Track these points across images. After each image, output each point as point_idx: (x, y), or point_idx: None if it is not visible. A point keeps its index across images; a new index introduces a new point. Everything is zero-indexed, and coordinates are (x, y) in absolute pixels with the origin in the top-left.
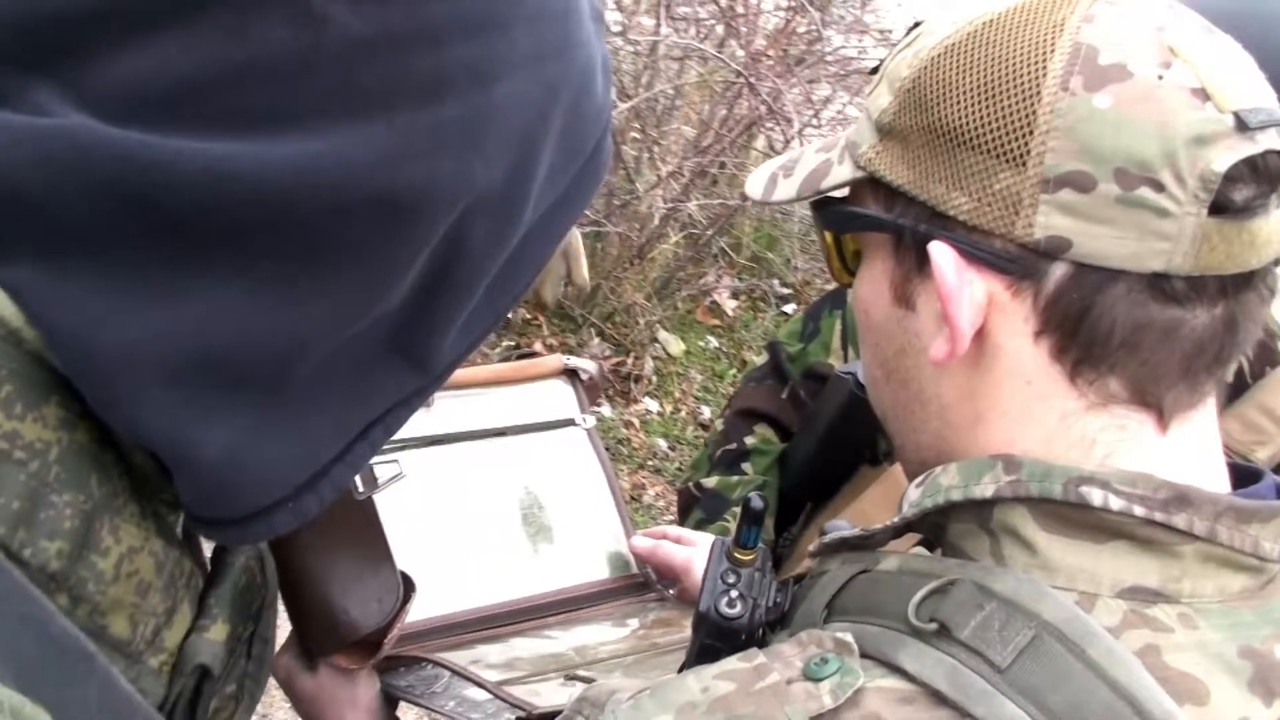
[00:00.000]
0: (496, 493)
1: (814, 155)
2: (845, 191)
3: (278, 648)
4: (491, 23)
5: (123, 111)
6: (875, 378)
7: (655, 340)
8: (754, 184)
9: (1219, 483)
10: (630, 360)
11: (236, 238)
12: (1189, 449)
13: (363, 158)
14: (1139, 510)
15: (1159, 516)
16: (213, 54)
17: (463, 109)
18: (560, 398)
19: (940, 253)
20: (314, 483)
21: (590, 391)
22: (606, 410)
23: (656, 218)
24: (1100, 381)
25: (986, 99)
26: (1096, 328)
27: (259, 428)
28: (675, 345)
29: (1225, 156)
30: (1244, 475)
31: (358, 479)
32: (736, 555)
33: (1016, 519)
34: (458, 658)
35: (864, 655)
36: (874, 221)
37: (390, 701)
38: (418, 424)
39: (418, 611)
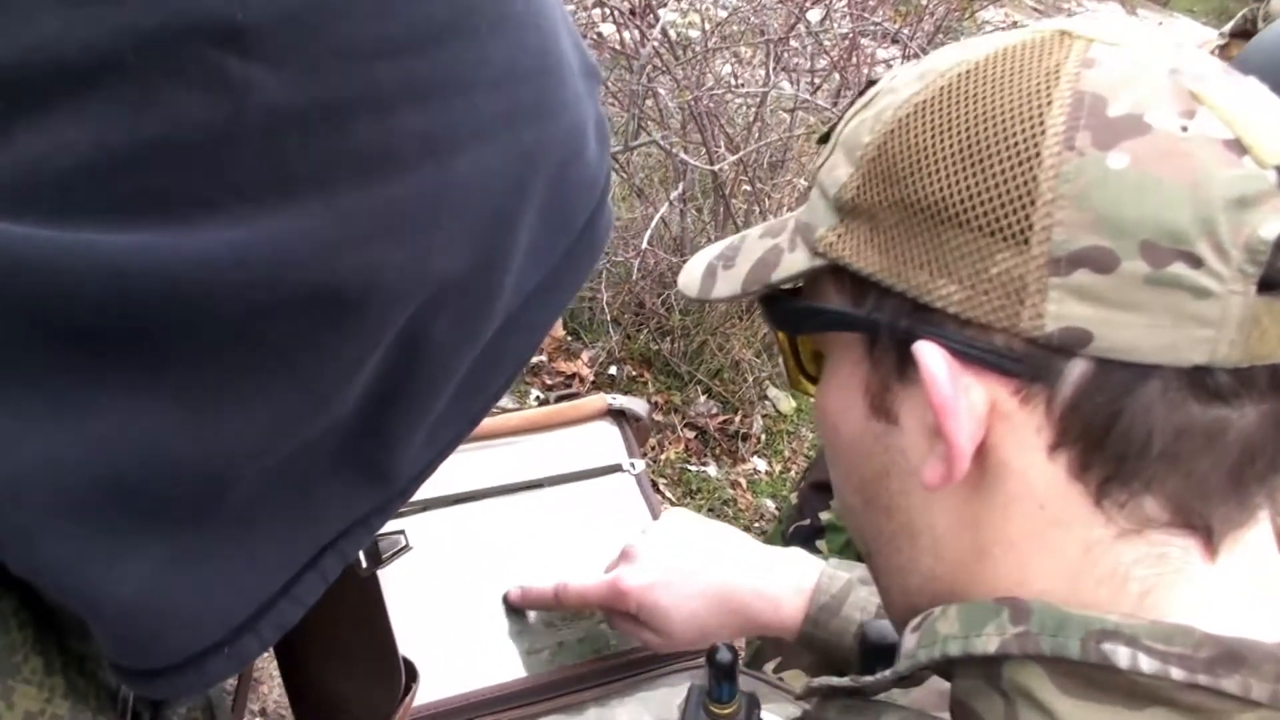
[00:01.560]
0: (531, 553)
1: (758, 242)
2: (800, 283)
3: None
4: (449, 85)
5: (14, 203)
6: (852, 506)
7: (765, 398)
8: (688, 277)
9: None
10: (738, 418)
11: (147, 344)
12: (1243, 581)
13: (296, 247)
14: (1177, 674)
15: (1204, 680)
16: (114, 132)
17: (416, 186)
18: (606, 441)
19: (929, 354)
20: (254, 622)
21: (640, 434)
22: (713, 470)
23: None
24: (1133, 503)
25: (972, 165)
26: (1129, 438)
27: (183, 561)
28: (785, 403)
29: (1273, 221)
30: None
31: (361, 554)
32: (713, 709)
33: (1031, 680)
34: None
35: None
36: (840, 319)
37: None
38: (441, 481)
39: (433, 691)
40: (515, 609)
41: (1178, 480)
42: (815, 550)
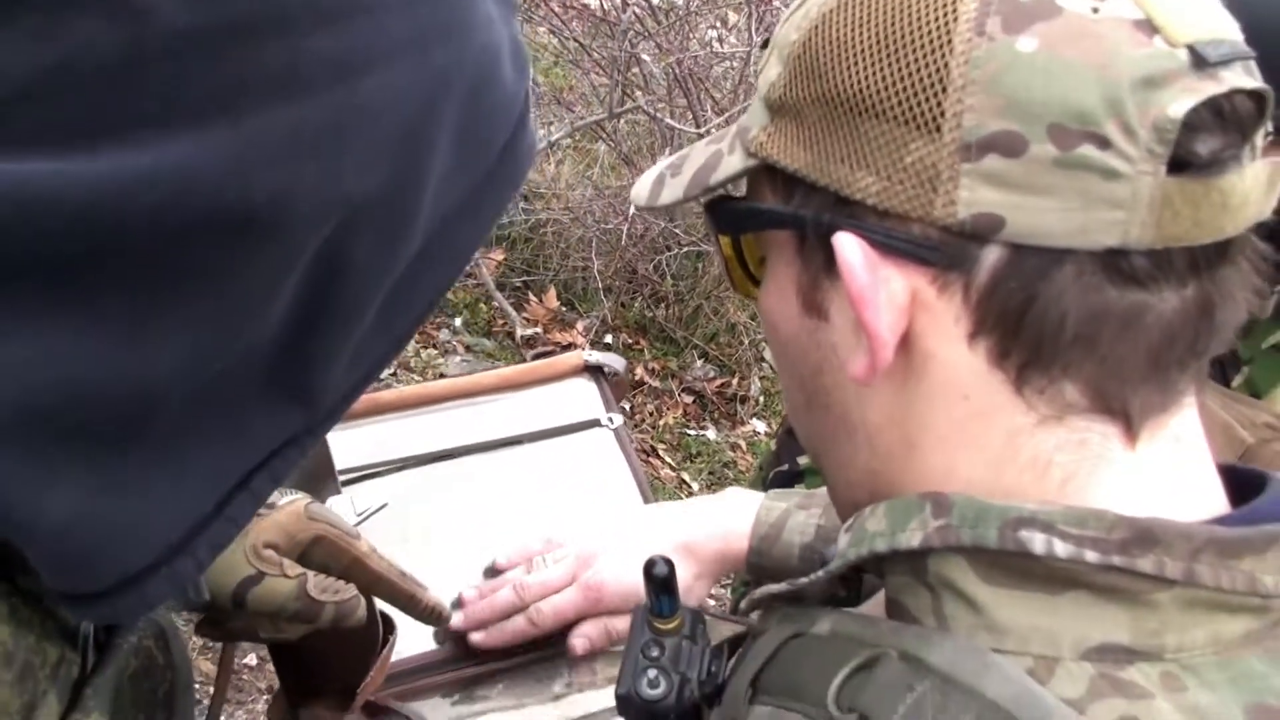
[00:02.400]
0: (510, 509)
1: (704, 148)
2: (743, 187)
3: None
4: (356, 6)
5: None
6: (796, 405)
7: (762, 359)
8: (640, 187)
9: (1208, 500)
10: (736, 381)
11: (59, 271)
12: (1164, 464)
13: (204, 169)
14: (1091, 555)
15: (1118, 561)
16: (15, 61)
17: (324, 108)
18: (583, 397)
19: (846, 245)
20: (188, 543)
21: (617, 388)
22: (712, 433)
23: None
24: (1052, 388)
25: (888, 56)
26: (1043, 321)
27: (113, 485)
28: None
29: (1182, 100)
30: (1245, 483)
31: (334, 510)
32: (658, 625)
33: (954, 572)
34: (436, 712)
35: None
36: (772, 217)
37: None
38: (419, 439)
39: (412, 646)
40: (489, 567)
41: (1095, 365)
42: None
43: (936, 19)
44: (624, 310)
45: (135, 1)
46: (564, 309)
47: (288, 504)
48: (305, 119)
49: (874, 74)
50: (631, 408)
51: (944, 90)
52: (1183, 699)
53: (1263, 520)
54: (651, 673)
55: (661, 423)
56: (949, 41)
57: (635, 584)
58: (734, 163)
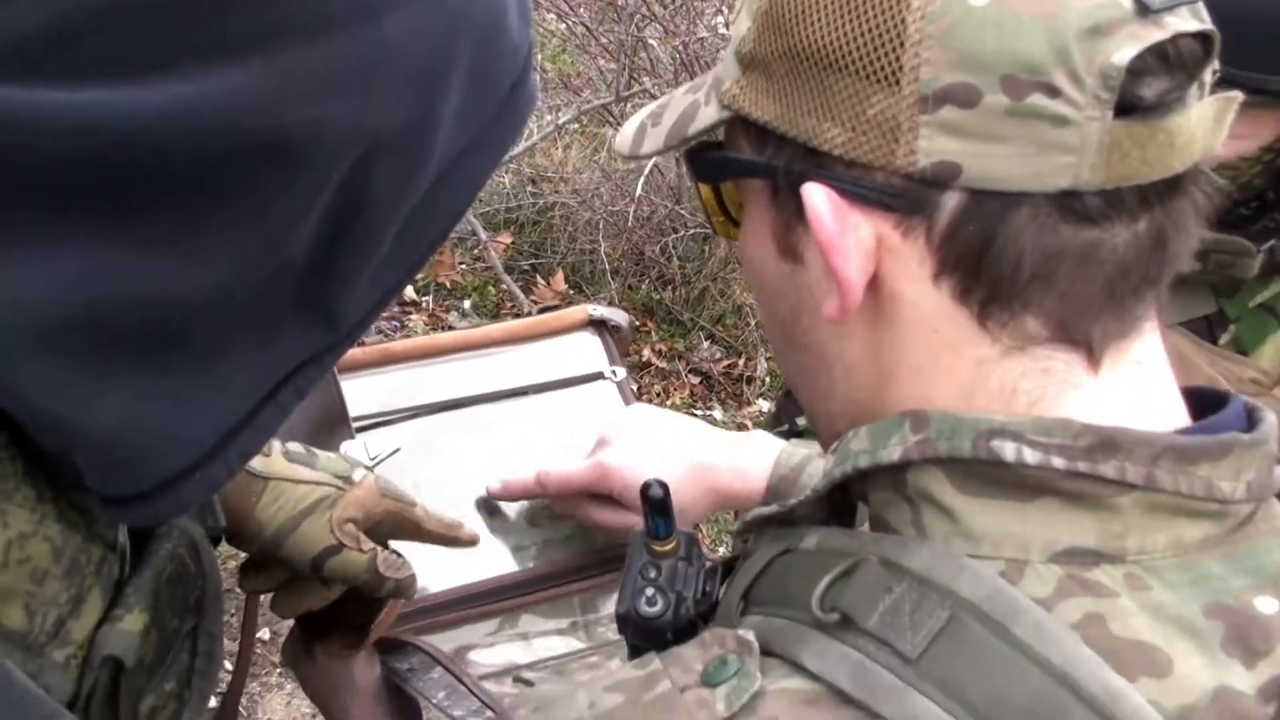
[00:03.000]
0: (515, 457)
1: (682, 98)
2: (721, 136)
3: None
4: None
5: None
6: (777, 344)
7: (767, 341)
8: (623, 136)
9: (1170, 417)
10: (742, 362)
11: (110, 192)
12: (1127, 387)
13: (241, 102)
14: (1058, 462)
15: (1083, 467)
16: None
17: (350, 46)
18: (587, 350)
19: (814, 195)
20: (220, 449)
21: (621, 343)
22: (718, 414)
23: None
24: (1014, 322)
25: (847, 11)
26: (1001, 261)
27: (154, 392)
28: None
29: (1127, 48)
30: (1209, 402)
31: (348, 455)
32: (654, 547)
33: (931, 483)
34: (448, 643)
35: (768, 653)
36: (745, 166)
37: (395, 684)
38: (428, 389)
39: (426, 586)
40: (497, 509)
41: (1055, 300)
42: None
43: None
44: (631, 292)
45: None
46: (572, 292)
47: (363, 480)
48: (332, 56)
49: (835, 30)
50: (639, 388)
51: (901, 45)
52: (1145, 598)
53: (1221, 431)
54: (649, 592)
55: (669, 403)
56: None
57: (641, 474)
58: (709, 114)
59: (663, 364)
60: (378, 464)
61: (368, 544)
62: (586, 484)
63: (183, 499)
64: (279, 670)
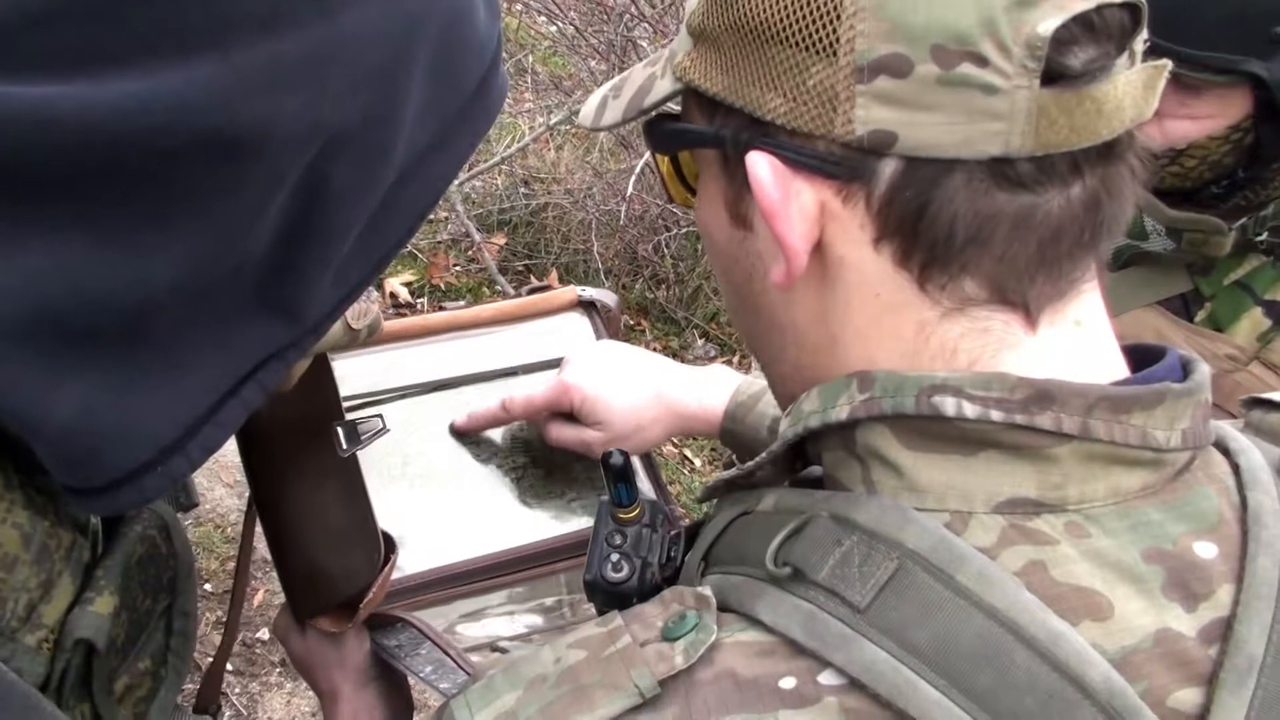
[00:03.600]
0: (505, 436)
1: (641, 71)
2: (679, 106)
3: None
4: None
5: None
6: (732, 307)
7: None
8: (587, 109)
9: (1107, 371)
10: (736, 359)
11: (67, 186)
12: (1065, 345)
13: (194, 97)
14: (996, 414)
15: (1020, 419)
16: None
17: (304, 42)
18: (577, 331)
19: (756, 164)
20: (182, 443)
21: (610, 323)
22: None
23: None
24: (953, 285)
25: None
26: (937, 226)
27: (114, 385)
28: None
29: (1051, 18)
30: (1148, 357)
31: (340, 434)
32: (619, 515)
33: (878, 440)
34: (437, 619)
35: (725, 609)
36: (697, 136)
37: (383, 660)
38: (418, 369)
39: (415, 564)
40: (486, 490)
41: (990, 262)
42: None
43: None
44: (625, 292)
45: None
46: None
47: None
48: (287, 52)
49: (776, 2)
50: None
51: (838, 17)
52: (1085, 544)
53: (1155, 382)
54: (614, 557)
55: None
56: None
57: (600, 395)
58: (664, 86)
59: None
60: (364, 445)
61: None
62: (548, 402)
63: (145, 491)
64: (279, 670)
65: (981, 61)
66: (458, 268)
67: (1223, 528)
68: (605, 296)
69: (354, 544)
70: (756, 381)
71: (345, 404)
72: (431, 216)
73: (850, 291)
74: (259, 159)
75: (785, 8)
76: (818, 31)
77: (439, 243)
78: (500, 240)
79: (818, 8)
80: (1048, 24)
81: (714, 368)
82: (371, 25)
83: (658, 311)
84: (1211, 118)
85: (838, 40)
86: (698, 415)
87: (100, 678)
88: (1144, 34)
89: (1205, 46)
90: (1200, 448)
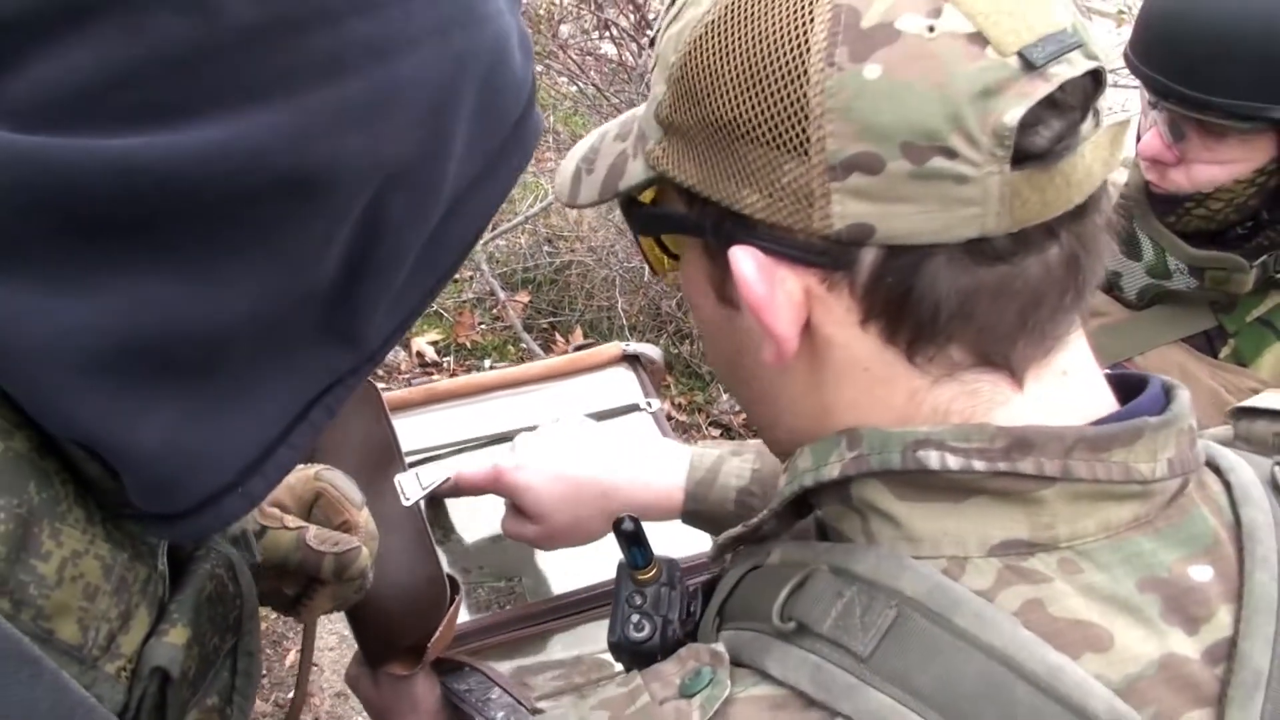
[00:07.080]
0: None
1: (612, 145)
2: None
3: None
4: None
5: (34, 119)
6: (722, 374)
7: None
8: (561, 179)
9: (1091, 412)
10: None
11: (150, 229)
12: (1053, 395)
13: (267, 141)
14: (979, 464)
15: (1003, 466)
16: (112, 53)
17: (365, 85)
18: (622, 384)
19: (740, 260)
20: (259, 465)
21: (654, 376)
22: None
23: None
24: (940, 355)
25: (753, 86)
26: (921, 307)
27: (195, 413)
28: None
29: (1016, 106)
30: (1132, 387)
31: (402, 485)
32: (637, 576)
33: (872, 493)
34: (506, 664)
35: (739, 664)
36: (679, 223)
37: (454, 704)
38: (476, 423)
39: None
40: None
41: (973, 332)
42: None
43: (791, 51)
44: None
45: (209, 3)
46: None
47: (301, 470)
48: (349, 95)
49: (743, 103)
50: None
51: (806, 118)
52: (1079, 580)
53: (1132, 417)
54: (635, 618)
55: None
56: (805, 73)
57: (532, 485)
58: (637, 170)
59: (683, 417)
60: (428, 492)
61: (295, 522)
62: (483, 483)
63: (224, 514)
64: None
65: (951, 154)
66: (483, 326)
67: (1218, 548)
68: (649, 350)
69: (421, 588)
70: (708, 453)
71: (408, 458)
72: (456, 276)
73: (840, 368)
74: (327, 196)
75: (754, 108)
76: (787, 131)
77: (464, 301)
78: (525, 298)
79: (786, 109)
80: (1013, 113)
81: (658, 446)
82: (424, 68)
83: (682, 366)
84: (1237, 162)
85: (808, 140)
86: (650, 504)
87: (175, 706)
88: (1105, 95)
89: (1232, 94)
90: (1189, 473)
